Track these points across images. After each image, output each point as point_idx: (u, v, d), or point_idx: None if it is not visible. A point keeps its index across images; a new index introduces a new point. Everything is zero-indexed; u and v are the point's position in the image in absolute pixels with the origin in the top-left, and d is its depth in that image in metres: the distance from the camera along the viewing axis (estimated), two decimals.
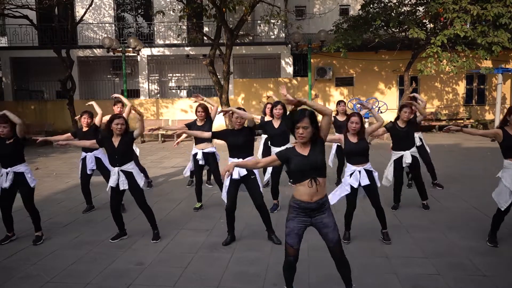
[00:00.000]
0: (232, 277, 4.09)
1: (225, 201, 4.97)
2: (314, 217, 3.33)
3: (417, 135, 7.16)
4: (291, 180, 6.08)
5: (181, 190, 7.82)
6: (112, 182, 4.96)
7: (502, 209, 4.62)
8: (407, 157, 5.95)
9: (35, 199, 5.35)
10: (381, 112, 17.13)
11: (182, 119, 17.26)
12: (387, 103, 17.21)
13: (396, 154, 6.04)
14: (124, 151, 4.97)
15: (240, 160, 4.87)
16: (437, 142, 13.20)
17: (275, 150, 6.18)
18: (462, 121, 17.45)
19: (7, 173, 4.98)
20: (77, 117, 6.64)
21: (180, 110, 17.99)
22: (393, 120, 6.13)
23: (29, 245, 5.04)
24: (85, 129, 6.33)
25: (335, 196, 4.81)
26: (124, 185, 4.96)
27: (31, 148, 13.83)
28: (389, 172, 6.06)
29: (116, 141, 4.93)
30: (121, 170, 4.95)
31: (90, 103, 7.07)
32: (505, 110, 18.26)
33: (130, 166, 5.01)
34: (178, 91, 20.13)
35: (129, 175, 4.98)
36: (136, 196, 5.05)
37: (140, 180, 5.07)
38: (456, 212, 6.01)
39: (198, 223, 5.82)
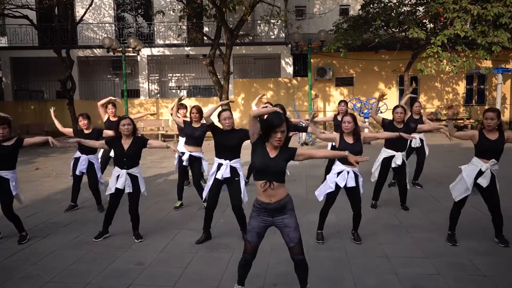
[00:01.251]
0: (232, 277, 4.09)
1: (206, 199, 5.02)
2: (275, 217, 3.35)
3: (418, 136, 7.16)
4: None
5: None
6: (120, 184, 4.98)
7: (456, 200, 4.71)
8: (398, 158, 5.95)
9: (35, 199, 5.36)
10: (381, 112, 17.16)
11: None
12: (387, 103, 17.21)
13: (386, 152, 6.02)
14: (133, 154, 5.01)
15: (227, 161, 4.88)
16: (437, 142, 13.18)
17: None
18: (462, 121, 17.45)
19: None
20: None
21: None
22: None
23: (29, 245, 5.04)
24: (86, 131, 6.36)
25: (321, 193, 4.83)
26: (129, 188, 5.00)
27: (31, 148, 13.83)
28: (376, 169, 6.07)
29: (126, 143, 4.99)
30: (128, 173, 4.99)
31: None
32: (505, 110, 18.13)
33: (136, 171, 5.08)
34: (178, 91, 20.12)
35: (133, 179, 5.03)
36: (132, 200, 5.09)
37: (142, 186, 5.12)
38: None
39: (198, 223, 5.81)
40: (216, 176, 4.90)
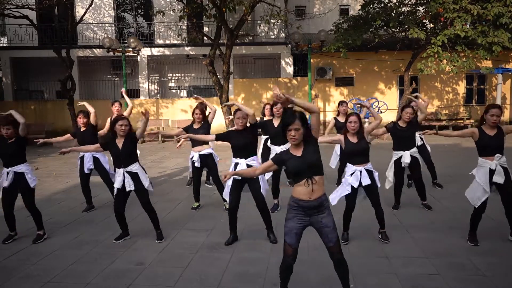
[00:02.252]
0: (232, 277, 4.09)
1: (226, 200, 5.00)
2: (313, 216, 3.32)
3: (417, 134, 7.16)
4: (289, 180, 6.15)
5: (181, 190, 7.83)
6: (117, 183, 4.95)
7: (476, 206, 4.68)
8: (405, 157, 5.95)
9: (35, 199, 5.37)
10: (381, 112, 17.17)
11: (182, 119, 17.28)
12: (387, 103, 17.23)
13: (396, 155, 6.05)
14: (129, 152, 4.97)
15: (243, 160, 4.95)
16: (437, 142, 13.19)
17: (275, 149, 6.19)
18: (462, 121, 17.45)
19: (7, 173, 5.01)
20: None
21: (180, 110, 17.99)
22: (394, 120, 6.11)
23: (29, 245, 5.04)
24: (83, 129, 6.42)
25: (336, 196, 4.82)
26: (130, 186, 4.94)
27: (31, 148, 13.82)
28: (390, 173, 6.07)
29: (120, 142, 4.93)
30: (127, 171, 4.95)
31: (81, 103, 7.18)
32: (505, 110, 18.11)
33: (135, 167, 5.01)
34: (178, 91, 20.12)
35: (134, 176, 4.98)
36: (140, 197, 5.04)
37: (145, 181, 5.05)
38: (456, 212, 6.00)
39: (198, 223, 5.82)
40: (235, 176, 4.88)
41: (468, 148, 12.39)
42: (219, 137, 5.12)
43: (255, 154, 5.09)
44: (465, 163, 9.74)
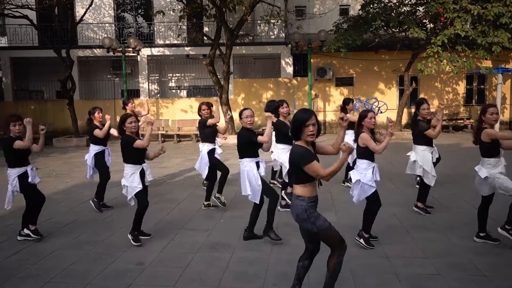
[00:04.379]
0: (232, 277, 4.10)
1: (253, 200, 4.92)
2: None
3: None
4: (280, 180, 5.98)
5: (181, 190, 7.82)
6: (151, 176, 5.13)
7: None
8: (436, 151, 6.07)
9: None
10: (381, 112, 17.18)
11: (182, 119, 17.28)
12: (387, 103, 17.24)
13: (430, 150, 5.90)
14: (146, 148, 5.09)
15: (259, 159, 5.01)
16: (437, 142, 13.17)
17: (281, 147, 6.15)
18: (462, 121, 17.45)
19: (32, 169, 5.17)
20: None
21: (180, 110, 17.99)
22: (420, 118, 5.83)
23: (29, 245, 5.04)
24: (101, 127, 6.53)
25: (360, 197, 4.68)
26: (150, 176, 5.14)
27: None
28: (432, 168, 5.83)
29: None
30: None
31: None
32: (505, 110, 18.03)
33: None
34: (178, 91, 20.13)
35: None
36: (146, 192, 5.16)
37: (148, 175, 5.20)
38: (456, 212, 6.01)
39: (198, 223, 5.82)
40: (261, 174, 4.97)
41: (468, 148, 12.40)
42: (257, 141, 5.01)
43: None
44: (465, 163, 9.74)
